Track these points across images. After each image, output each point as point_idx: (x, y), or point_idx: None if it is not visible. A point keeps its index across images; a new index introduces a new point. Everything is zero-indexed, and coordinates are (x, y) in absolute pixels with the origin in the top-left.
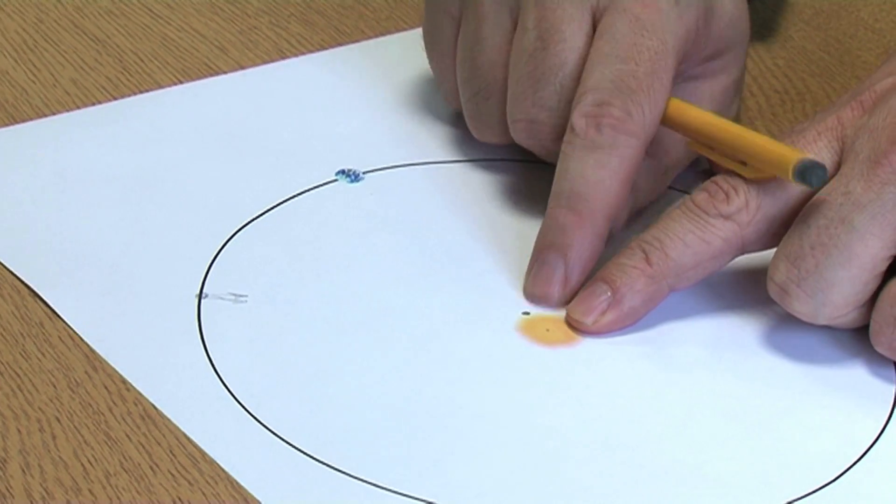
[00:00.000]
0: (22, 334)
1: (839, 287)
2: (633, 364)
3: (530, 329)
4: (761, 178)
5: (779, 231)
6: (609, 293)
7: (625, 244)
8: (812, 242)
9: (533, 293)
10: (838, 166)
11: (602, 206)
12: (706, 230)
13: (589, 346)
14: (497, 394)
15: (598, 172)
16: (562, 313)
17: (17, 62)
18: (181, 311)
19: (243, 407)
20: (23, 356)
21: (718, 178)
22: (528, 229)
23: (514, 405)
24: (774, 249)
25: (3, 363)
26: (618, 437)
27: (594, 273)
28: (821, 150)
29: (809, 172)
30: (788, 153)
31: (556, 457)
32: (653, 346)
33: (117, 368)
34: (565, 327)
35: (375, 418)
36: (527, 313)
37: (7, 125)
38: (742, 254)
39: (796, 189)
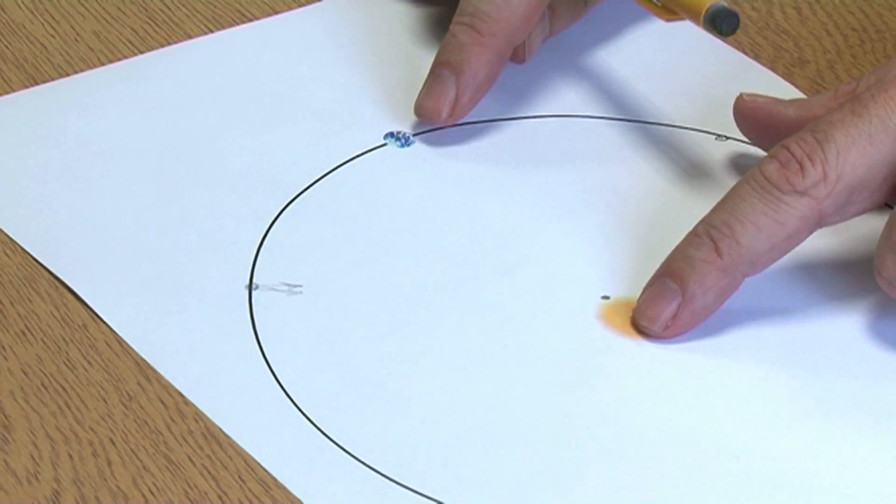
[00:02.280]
0: (65, 340)
1: None
2: (729, 357)
3: (612, 316)
4: (674, 19)
5: (860, 200)
6: (678, 293)
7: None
8: None
9: (422, 107)
10: None
11: (505, 27)
12: (780, 210)
13: (677, 338)
14: (581, 397)
15: None
16: None
17: (33, 14)
18: (231, 306)
19: (308, 419)
20: (68, 366)
21: (791, 143)
22: (597, 195)
23: (600, 409)
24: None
25: (47, 375)
26: (720, 442)
27: (660, 266)
28: None
29: (720, 19)
30: None
31: (654, 466)
32: (751, 338)
33: (172, 382)
34: None
35: (457, 434)
36: (606, 297)
37: (28, 86)
38: (821, 227)
39: (878, 152)
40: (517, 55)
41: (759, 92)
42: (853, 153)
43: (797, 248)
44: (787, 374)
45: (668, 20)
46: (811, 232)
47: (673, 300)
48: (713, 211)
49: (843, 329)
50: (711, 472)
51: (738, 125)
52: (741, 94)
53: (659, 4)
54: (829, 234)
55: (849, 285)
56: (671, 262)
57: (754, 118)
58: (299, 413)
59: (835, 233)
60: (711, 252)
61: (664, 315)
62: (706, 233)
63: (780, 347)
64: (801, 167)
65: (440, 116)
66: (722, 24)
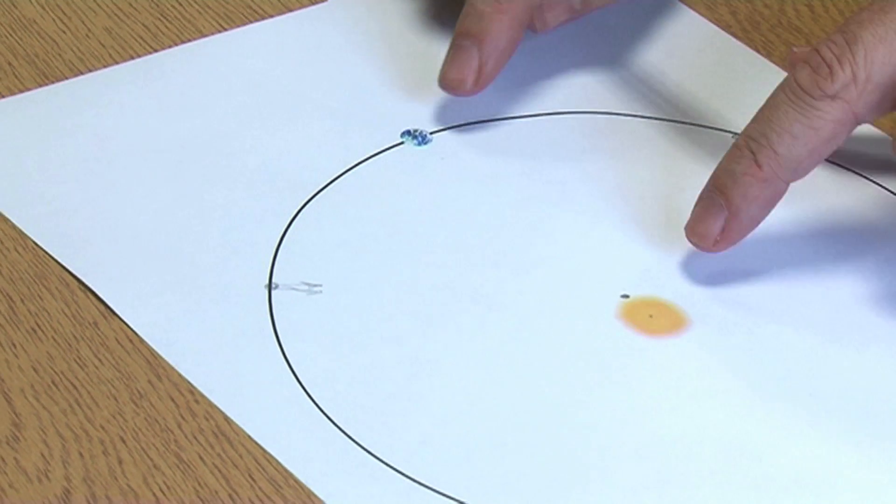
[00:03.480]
0: (75, 337)
1: None
2: (750, 356)
3: (632, 315)
4: None
5: (894, 97)
6: (724, 208)
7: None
8: None
9: (446, 78)
10: None
11: None
12: (813, 116)
13: (698, 335)
14: (602, 397)
15: None
16: (664, 295)
17: (44, 9)
18: (250, 305)
19: (330, 419)
20: (78, 364)
21: (821, 46)
22: (616, 193)
23: (621, 409)
24: None
25: (57, 372)
26: (741, 443)
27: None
28: None
29: None
30: None
31: (676, 467)
32: (772, 334)
33: (186, 376)
34: (669, 312)
35: (478, 435)
36: (626, 296)
37: (39, 84)
38: (859, 125)
39: None
40: (531, 24)
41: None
42: (881, 52)
43: (826, 244)
44: (808, 372)
45: None
46: (849, 132)
47: (720, 215)
48: (751, 122)
49: (867, 326)
50: (734, 473)
51: None
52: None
53: None
54: (855, 234)
55: (874, 282)
56: (716, 177)
57: None
58: (321, 413)
59: (862, 233)
60: (752, 164)
61: (713, 231)
62: (746, 145)
63: (801, 345)
64: (831, 70)
65: (465, 86)
66: None
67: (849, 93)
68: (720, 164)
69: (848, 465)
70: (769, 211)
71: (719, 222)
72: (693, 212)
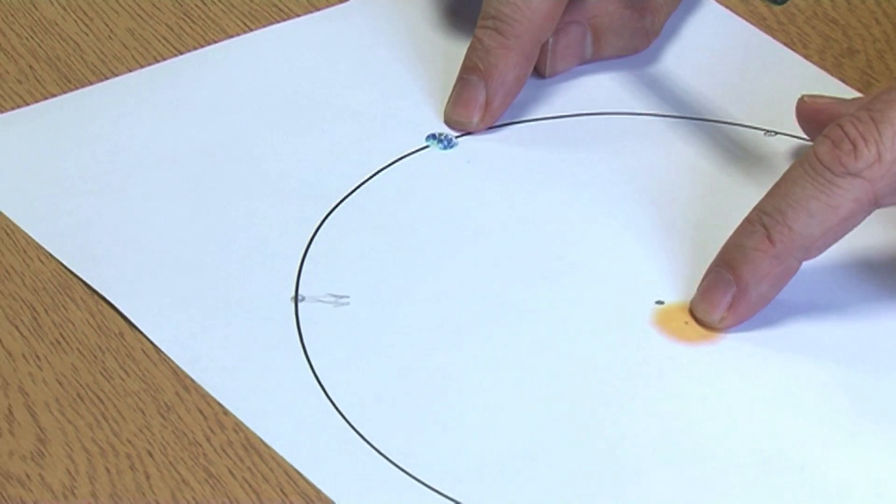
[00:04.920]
0: (101, 348)
1: None
2: (788, 362)
3: (667, 322)
4: None
5: None
6: (733, 283)
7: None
8: None
9: (453, 117)
10: None
11: (528, 27)
12: (833, 194)
13: (735, 343)
14: (637, 405)
15: None
16: None
17: (66, 10)
18: (277, 318)
19: (358, 433)
20: (104, 376)
21: (845, 122)
22: (646, 195)
23: (657, 417)
24: None
25: (82, 385)
26: (781, 452)
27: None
28: None
29: None
30: None
31: (715, 477)
32: (810, 341)
33: (212, 393)
34: None
35: (512, 448)
36: (660, 302)
37: (61, 88)
38: (878, 208)
39: None
40: (540, 67)
41: (807, 87)
42: None
43: (857, 244)
44: (848, 377)
45: None
46: (867, 214)
47: (728, 291)
48: (766, 197)
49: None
50: (774, 483)
51: (802, 127)
52: (802, 97)
53: None
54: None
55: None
56: (725, 251)
57: (817, 120)
58: (351, 428)
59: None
60: (764, 240)
61: (720, 306)
62: (758, 220)
63: (840, 350)
64: (855, 147)
65: (471, 123)
66: None
67: (872, 172)
68: (730, 237)
69: (891, 475)
70: (779, 290)
71: (727, 298)
72: (700, 286)
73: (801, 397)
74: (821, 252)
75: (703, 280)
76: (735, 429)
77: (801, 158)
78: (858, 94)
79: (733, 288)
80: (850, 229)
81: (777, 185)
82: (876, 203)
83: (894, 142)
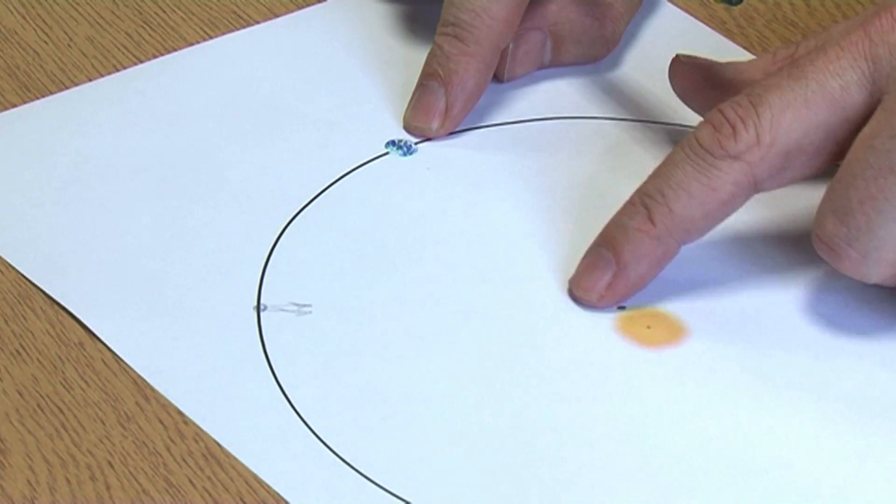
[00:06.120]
0: (60, 358)
1: (894, 244)
2: (751, 364)
3: (629, 327)
4: None
5: (797, 165)
6: (613, 262)
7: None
8: (860, 196)
9: (412, 123)
10: (871, 94)
11: (488, 33)
12: (712, 176)
13: (698, 346)
14: (602, 411)
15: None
16: (662, 306)
17: (25, 19)
18: (239, 327)
19: (322, 441)
20: (64, 386)
21: (725, 107)
22: (608, 200)
23: (622, 423)
24: None
25: (43, 395)
26: (747, 455)
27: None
28: (845, 71)
29: None
30: None
31: (679, 481)
32: (773, 341)
33: (174, 402)
34: (668, 322)
35: (477, 456)
36: (622, 308)
37: (21, 97)
38: (757, 193)
39: (815, 116)
40: (498, 72)
41: None
42: (788, 117)
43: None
44: (811, 378)
45: None
46: (747, 198)
47: (607, 270)
48: (648, 179)
49: (869, 330)
50: (740, 486)
51: (673, 86)
52: (677, 55)
53: None
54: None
55: (874, 286)
56: (607, 231)
57: (690, 78)
58: (314, 437)
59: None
60: (645, 220)
61: (599, 285)
62: (640, 201)
63: (803, 351)
64: (734, 130)
65: (431, 129)
66: None
67: (752, 155)
68: (612, 218)
69: (857, 474)
70: (658, 271)
71: (606, 277)
72: (580, 263)
73: (765, 399)
74: (701, 235)
75: (583, 258)
76: (700, 431)
77: (682, 142)
78: None
79: (613, 267)
80: (731, 213)
81: (659, 168)
82: (755, 187)
83: (773, 125)
